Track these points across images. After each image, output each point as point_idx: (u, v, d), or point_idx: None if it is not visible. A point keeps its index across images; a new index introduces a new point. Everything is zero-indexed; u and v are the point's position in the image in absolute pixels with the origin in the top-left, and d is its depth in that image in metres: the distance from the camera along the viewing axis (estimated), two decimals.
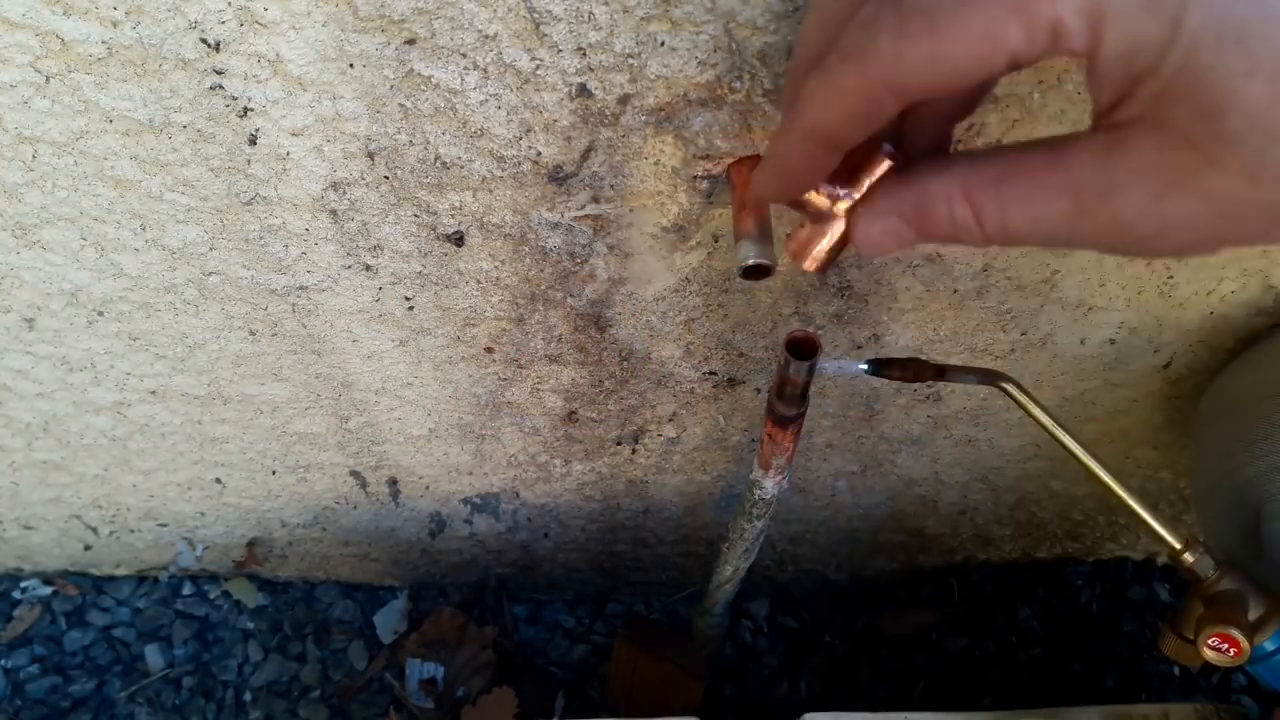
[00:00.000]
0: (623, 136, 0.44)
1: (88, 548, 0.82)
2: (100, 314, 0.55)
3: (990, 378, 0.47)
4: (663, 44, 0.39)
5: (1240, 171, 0.23)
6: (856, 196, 0.31)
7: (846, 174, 0.31)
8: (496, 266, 0.52)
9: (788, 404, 0.47)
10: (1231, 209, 0.24)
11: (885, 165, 0.30)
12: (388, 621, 0.88)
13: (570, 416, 0.65)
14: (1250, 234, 0.25)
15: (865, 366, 0.47)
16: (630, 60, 0.40)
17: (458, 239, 0.50)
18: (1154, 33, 0.23)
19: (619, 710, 0.81)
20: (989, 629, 0.88)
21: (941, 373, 0.47)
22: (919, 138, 0.32)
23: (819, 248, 0.33)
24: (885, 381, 0.62)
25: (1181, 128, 0.24)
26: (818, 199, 0.32)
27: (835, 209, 0.32)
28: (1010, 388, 0.47)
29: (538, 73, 0.41)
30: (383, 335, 0.57)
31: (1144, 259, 0.54)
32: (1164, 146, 0.24)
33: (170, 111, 0.43)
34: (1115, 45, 0.23)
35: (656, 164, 0.45)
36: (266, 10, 0.38)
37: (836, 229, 0.32)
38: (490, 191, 0.47)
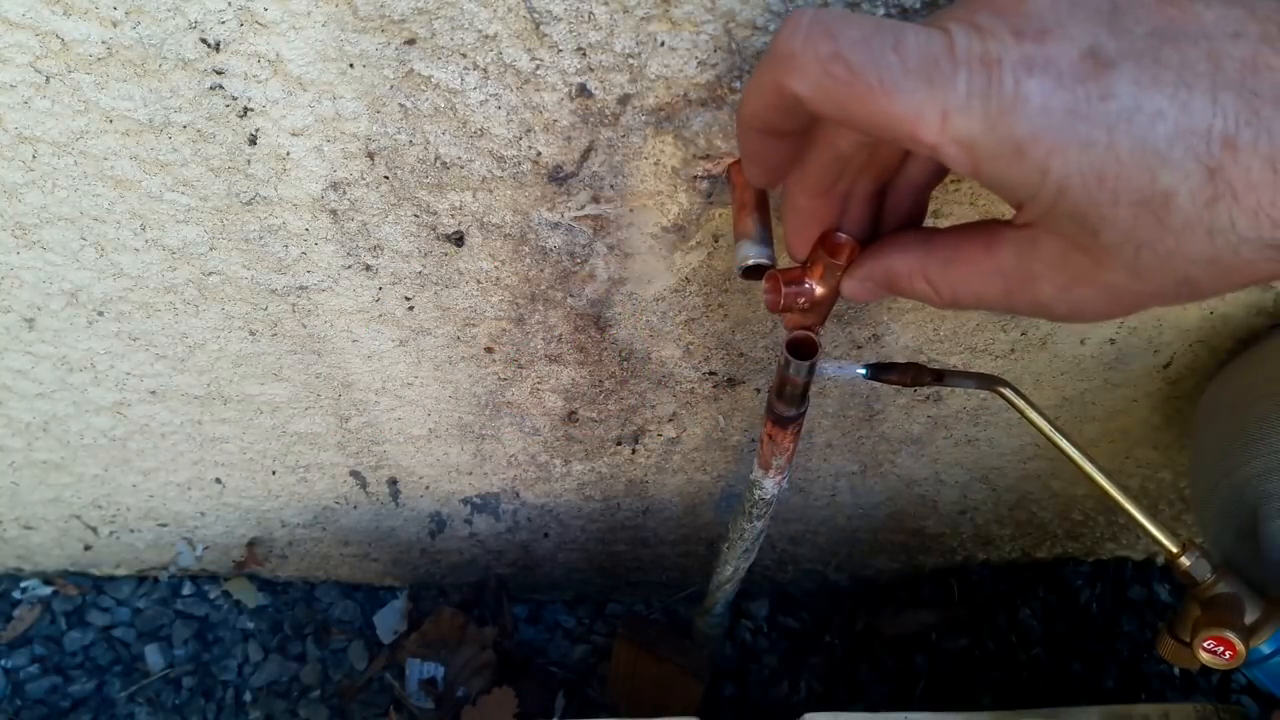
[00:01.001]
0: (623, 136, 0.44)
1: (88, 548, 0.83)
2: (100, 314, 0.55)
3: (988, 382, 0.47)
4: (663, 44, 0.39)
5: (1123, 270, 0.29)
6: (817, 285, 0.39)
7: (804, 270, 0.40)
8: (496, 266, 0.52)
9: (788, 404, 0.47)
10: (1123, 295, 0.30)
11: (823, 263, 0.38)
12: (388, 621, 0.88)
13: (570, 416, 0.65)
14: (1144, 308, 0.31)
15: (864, 371, 0.47)
16: (630, 60, 0.40)
17: (458, 239, 0.50)
18: (1024, 177, 0.28)
19: (619, 710, 0.81)
20: (989, 629, 0.88)
21: (939, 377, 0.47)
22: (895, 212, 0.38)
23: (803, 326, 0.43)
24: None
25: (1071, 237, 0.29)
26: (794, 307, 0.41)
27: (817, 290, 0.40)
28: (1008, 392, 0.47)
29: (538, 73, 0.41)
30: (383, 335, 0.57)
31: None
32: (1063, 248, 0.30)
33: (170, 111, 0.43)
34: (989, 178, 0.28)
35: (656, 164, 0.45)
36: (266, 10, 0.38)
37: (820, 310, 0.41)
38: (490, 191, 0.47)
